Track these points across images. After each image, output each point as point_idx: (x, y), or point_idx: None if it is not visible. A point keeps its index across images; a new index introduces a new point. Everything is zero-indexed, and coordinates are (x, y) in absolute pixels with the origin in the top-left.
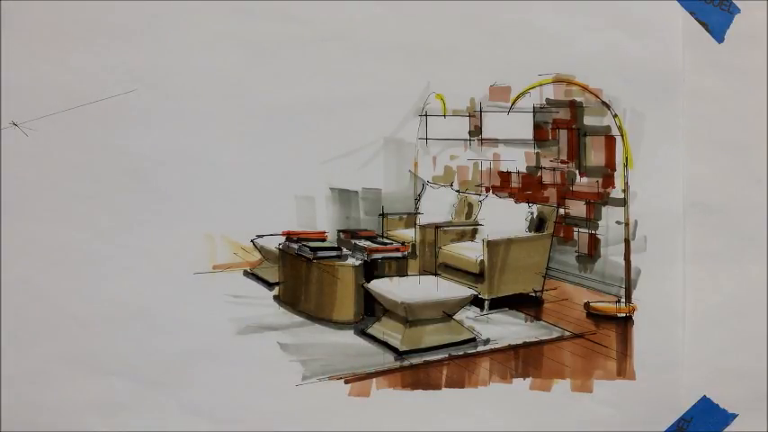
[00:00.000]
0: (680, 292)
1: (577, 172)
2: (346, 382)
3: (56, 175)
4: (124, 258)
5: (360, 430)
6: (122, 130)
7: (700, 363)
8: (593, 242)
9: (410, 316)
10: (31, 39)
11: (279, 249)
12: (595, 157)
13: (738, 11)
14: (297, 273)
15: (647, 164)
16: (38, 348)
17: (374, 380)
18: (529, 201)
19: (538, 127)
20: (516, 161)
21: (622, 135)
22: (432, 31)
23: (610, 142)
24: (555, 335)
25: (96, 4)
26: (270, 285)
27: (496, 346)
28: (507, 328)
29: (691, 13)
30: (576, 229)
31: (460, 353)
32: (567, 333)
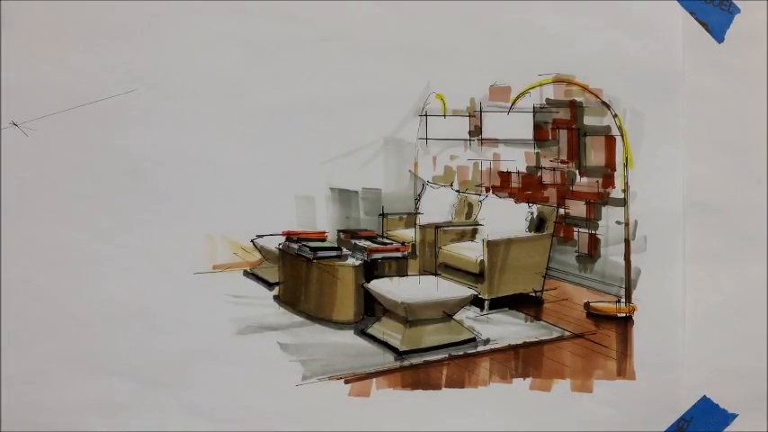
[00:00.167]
0: (680, 292)
1: (577, 172)
2: (346, 382)
3: (56, 175)
4: (124, 258)
5: (360, 430)
6: (122, 130)
7: (700, 363)
8: (593, 242)
9: (410, 316)
10: (31, 39)
11: (279, 249)
12: (595, 157)
13: (738, 11)
14: (297, 273)
15: (647, 164)
16: (38, 348)
17: (374, 380)
18: (529, 201)
19: (538, 127)
20: (516, 161)
21: (622, 135)
22: (432, 31)
23: (610, 142)
24: (555, 335)
25: (96, 4)
26: (270, 285)
27: (496, 346)
28: (507, 328)
29: (691, 13)
30: (576, 229)
31: (460, 353)
32: (567, 333)
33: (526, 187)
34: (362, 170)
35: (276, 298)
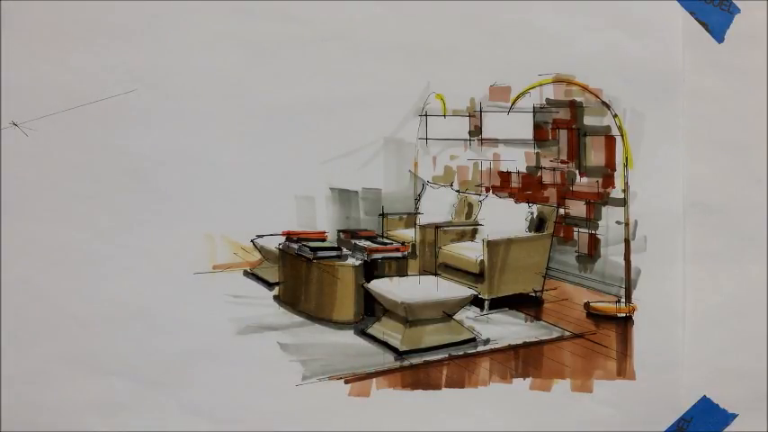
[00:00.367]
0: (680, 292)
1: (577, 172)
2: (346, 382)
3: (56, 175)
4: (124, 258)
5: (360, 430)
6: (122, 130)
7: (700, 363)
8: (593, 242)
9: (410, 316)
10: (31, 39)
11: (279, 249)
12: (595, 157)
13: (738, 11)
14: (297, 273)
15: (647, 164)
16: (38, 348)
17: (374, 380)
18: (529, 201)
19: (538, 127)
20: (516, 161)
21: (622, 135)
22: (432, 31)
23: (610, 142)
24: (555, 335)
25: (96, 4)
26: (270, 285)
27: (496, 346)
28: (507, 328)
29: (691, 13)
30: (576, 229)
31: (460, 353)
32: (567, 333)
33: (526, 187)
34: (362, 170)
35: (276, 298)
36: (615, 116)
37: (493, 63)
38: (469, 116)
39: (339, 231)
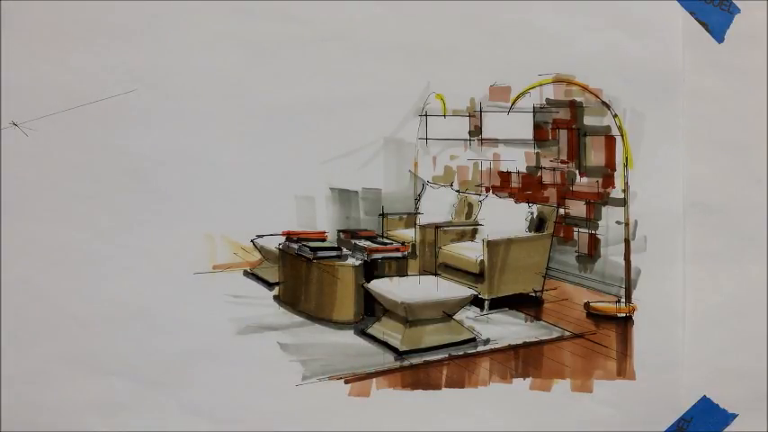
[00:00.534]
0: (680, 292)
1: (577, 172)
2: (346, 382)
3: (56, 175)
4: (124, 258)
5: (360, 430)
6: (122, 130)
7: (700, 363)
8: (593, 242)
9: (410, 316)
10: (31, 39)
11: (279, 249)
12: (595, 157)
13: (738, 11)
14: (297, 273)
15: (647, 164)
16: (38, 348)
17: (374, 380)
18: (529, 201)
19: (538, 127)
20: (516, 161)
21: (622, 135)
22: (432, 31)
23: (610, 142)
24: (555, 335)
25: (96, 4)
26: (270, 285)
27: (496, 346)
28: (507, 328)
29: (691, 13)
30: (576, 229)
31: (460, 353)
32: (567, 333)
33: (526, 187)
34: (362, 170)
35: (276, 298)
36: (615, 116)
37: (493, 63)
38: (469, 116)
39: (339, 231)
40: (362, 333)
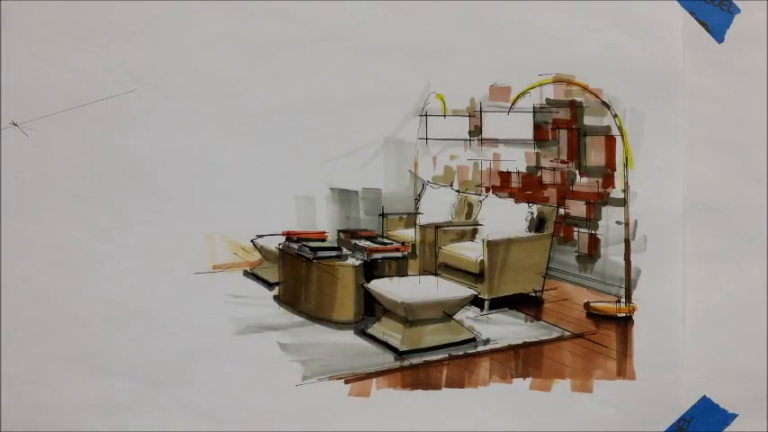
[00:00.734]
0: (680, 292)
1: (577, 172)
2: (346, 382)
3: (56, 175)
4: (124, 258)
5: (360, 430)
6: (122, 130)
7: (700, 363)
8: (593, 242)
9: (410, 316)
10: (31, 39)
11: (279, 249)
12: (595, 157)
13: (738, 11)
14: (297, 273)
15: (647, 164)
16: (38, 348)
17: (374, 380)
18: (529, 201)
19: (538, 127)
20: (516, 161)
21: (622, 135)
22: (432, 31)
23: (610, 142)
24: (555, 335)
25: (96, 4)
26: (270, 285)
27: (496, 346)
28: (507, 328)
29: (691, 13)
30: (576, 229)
31: (460, 353)
32: (567, 333)
33: (526, 187)
34: (362, 170)
35: (276, 298)
36: (615, 116)
37: (493, 63)
38: (469, 116)
39: (339, 231)
40: (362, 333)
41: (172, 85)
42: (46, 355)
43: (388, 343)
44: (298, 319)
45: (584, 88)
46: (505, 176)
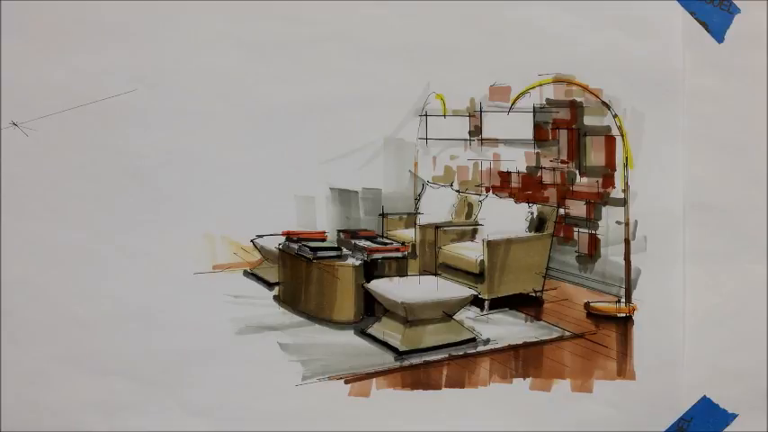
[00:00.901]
0: (680, 292)
1: (577, 172)
2: (346, 382)
3: (56, 175)
4: (124, 258)
5: (360, 430)
6: (122, 130)
7: (700, 363)
8: (593, 242)
9: (410, 316)
10: (31, 39)
11: (279, 249)
12: (595, 157)
13: (738, 11)
14: (297, 273)
15: (647, 164)
16: (38, 348)
17: (374, 380)
18: (529, 201)
19: (538, 127)
20: (516, 161)
21: (622, 135)
22: (432, 31)
23: (610, 142)
24: (555, 335)
25: (96, 4)
26: (270, 285)
27: (496, 346)
28: (507, 328)
29: (691, 13)
30: (576, 229)
31: (460, 353)
32: (567, 333)
33: (526, 187)
34: (362, 170)
35: (276, 298)
36: (615, 116)
37: (493, 63)
38: (469, 116)
39: (339, 231)
40: (362, 333)
41: (172, 85)
42: (46, 355)
43: (388, 343)
44: (298, 319)
45: (585, 88)
46: (505, 176)
